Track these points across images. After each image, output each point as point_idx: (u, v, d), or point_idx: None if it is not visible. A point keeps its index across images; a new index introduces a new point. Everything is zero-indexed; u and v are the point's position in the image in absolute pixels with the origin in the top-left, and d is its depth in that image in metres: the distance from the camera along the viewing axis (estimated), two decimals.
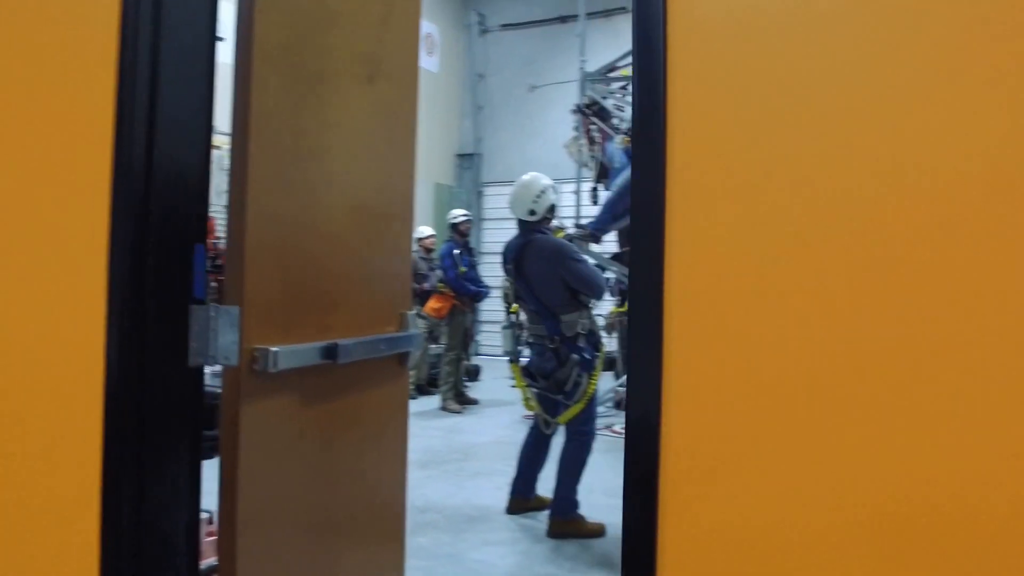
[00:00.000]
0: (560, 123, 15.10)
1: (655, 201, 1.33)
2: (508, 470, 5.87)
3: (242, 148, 1.67)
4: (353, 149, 2.19)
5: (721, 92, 1.34)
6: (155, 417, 1.48)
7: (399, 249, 2.54)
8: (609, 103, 8.90)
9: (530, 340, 4.68)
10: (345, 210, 2.16)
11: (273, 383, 1.76)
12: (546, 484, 4.89)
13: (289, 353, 1.76)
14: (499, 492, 5.23)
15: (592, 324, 4.55)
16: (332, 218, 2.08)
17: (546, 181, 4.62)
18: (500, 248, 13.57)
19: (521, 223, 4.63)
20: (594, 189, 8.96)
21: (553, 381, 4.48)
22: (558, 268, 4.40)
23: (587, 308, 4.55)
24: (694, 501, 1.35)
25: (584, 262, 4.54)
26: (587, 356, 4.50)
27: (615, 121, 8.91)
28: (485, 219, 15.88)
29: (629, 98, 9.07)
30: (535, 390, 4.68)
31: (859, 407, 1.25)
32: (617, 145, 8.58)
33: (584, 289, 4.45)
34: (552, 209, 4.63)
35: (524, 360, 4.75)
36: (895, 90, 1.23)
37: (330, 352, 1.92)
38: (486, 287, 9.02)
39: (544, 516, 4.72)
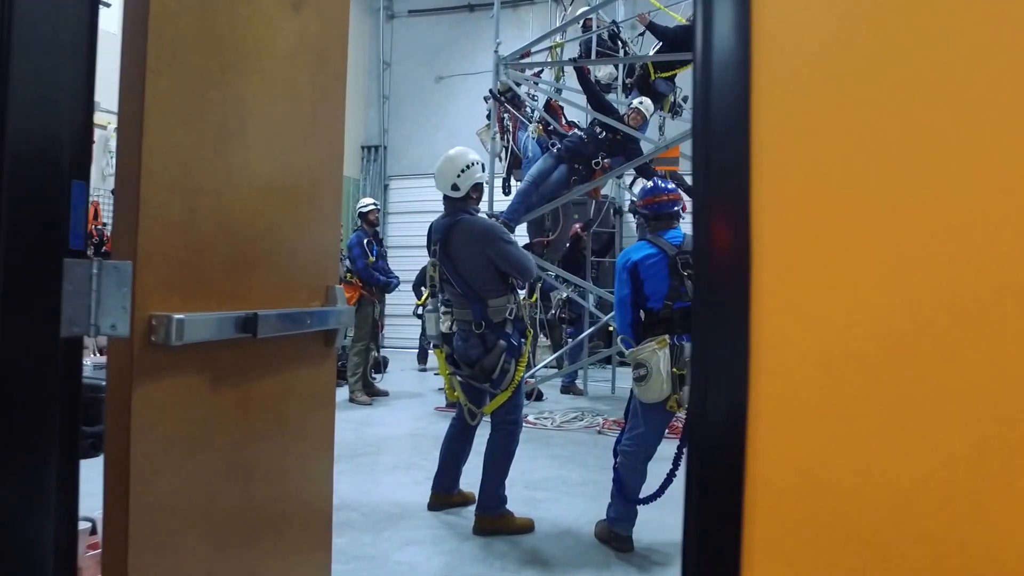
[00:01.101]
0: (467, 115, 14.85)
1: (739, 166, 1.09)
2: (426, 464, 5.62)
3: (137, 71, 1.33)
4: (274, 104, 1.86)
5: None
6: (14, 403, 1.13)
7: (326, 217, 2.23)
8: (522, 90, 8.69)
9: (455, 326, 4.39)
10: (264, 164, 1.83)
11: (176, 360, 1.42)
12: (467, 478, 4.66)
13: (197, 323, 1.42)
14: (418, 487, 4.96)
15: (519, 309, 4.30)
16: (250, 170, 1.75)
17: (473, 156, 4.34)
18: (406, 242, 13.22)
19: (447, 201, 4.34)
20: (506, 179, 8.77)
21: (479, 369, 4.21)
22: (487, 250, 4.14)
23: (515, 292, 4.30)
24: (785, 503, 1.12)
25: (514, 244, 4.29)
26: (514, 342, 4.25)
27: (528, 110, 8.72)
28: (391, 213, 15.46)
29: (543, 86, 8.92)
30: (459, 379, 4.40)
31: (960, 407, 1.04)
32: (530, 134, 8.40)
33: (514, 272, 4.20)
34: (478, 188, 4.35)
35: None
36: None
37: (248, 324, 1.59)
38: (395, 277, 8.79)
39: (469, 512, 4.46)
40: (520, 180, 8.19)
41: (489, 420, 4.40)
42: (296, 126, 2.04)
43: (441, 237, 4.25)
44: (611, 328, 10.35)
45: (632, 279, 4.01)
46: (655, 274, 3.98)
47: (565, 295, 9.44)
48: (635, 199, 9.31)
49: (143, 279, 1.30)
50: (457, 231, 4.20)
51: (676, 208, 4.22)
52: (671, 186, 4.29)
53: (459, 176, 4.23)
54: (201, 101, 1.54)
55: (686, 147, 9.18)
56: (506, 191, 8.47)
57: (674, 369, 3.77)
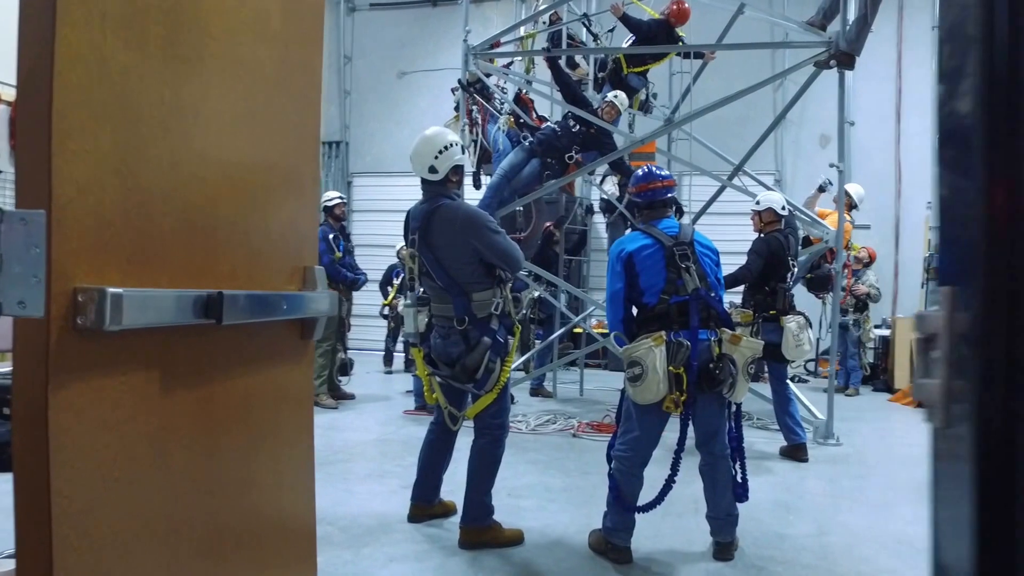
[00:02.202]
0: (430, 112, 14.48)
1: None
2: (399, 471, 5.29)
3: None
4: (242, 57, 1.52)
5: None
6: None
7: (302, 188, 1.89)
8: (492, 81, 8.36)
9: (434, 321, 4.05)
10: (230, 106, 1.49)
11: (112, 351, 1.07)
12: (447, 486, 4.34)
13: (143, 301, 1.07)
14: (395, 497, 4.63)
15: (506, 303, 3.97)
16: (210, 107, 1.40)
17: (452, 136, 4.01)
18: (370, 240, 12.79)
19: (425, 185, 4.00)
20: (475, 173, 8.43)
21: (461, 368, 3.87)
22: (471, 238, 3.81)
23: (502, 285, 3.97)
24: None
25: (502, 232, 3.96)
26: (500, 339, 3.92)
27: (497, 102, 8.39)
28: (354, 211, 15.01)
29: (514, 78, 8.59)
30: (439, 380, 4.05)
31: None
32: (500, 127, 8.09)
33: (501, 263, 3.88)
34: (458, 170, 4.02)
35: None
36: None
37: (211, 306, 1.24)
38: (363, 274, 8.40)
39: (452, 524, 4.14)
40: (490, 174, 7.87)
41: (472, 424, 4.06)
42: (270, 88, 1.70)
43: (420, 225, 3.90)
44: (580, 329, 10.13)
45: (626, 271, 3.71)
46: (651, 266, 3.68)
47: (537, 294, 9.12)
48: (605, 196, 9.07)
49: (64, 237, 0.94)
50: (438, 218, 3.87)
51: (670, 195, 3.94)
52: (665, 172, 3.99)
53: (437, 157, 3.89)
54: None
55: (663, 142, 8.98)
56: (477, 185, 8.13)
57: (671, 368, 3.47)
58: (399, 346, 11.47)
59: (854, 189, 7.17)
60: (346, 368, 8.96)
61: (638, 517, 3.71)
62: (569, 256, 9.72)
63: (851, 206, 7.13)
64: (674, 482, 3.62)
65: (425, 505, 4.27)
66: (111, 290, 1.01)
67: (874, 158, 11.99)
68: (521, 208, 7.96)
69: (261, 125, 1.71)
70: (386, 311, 11.00)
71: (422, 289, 4.08)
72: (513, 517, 4.16)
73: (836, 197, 8.58)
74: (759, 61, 12.56)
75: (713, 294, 3.68)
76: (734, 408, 3.75)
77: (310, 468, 1.98)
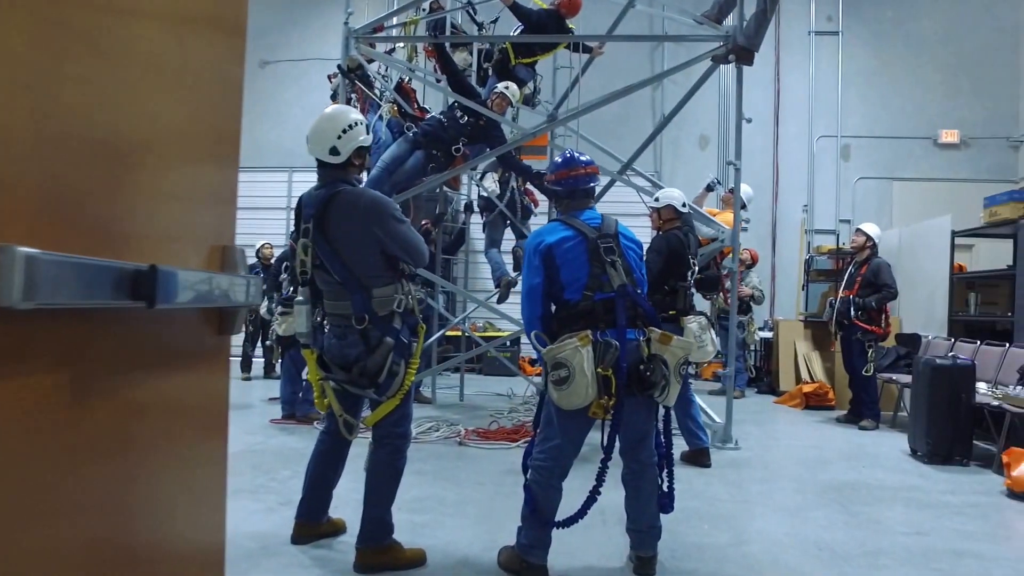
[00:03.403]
0: (297, 105, 13.82)
1: None
2: (276, 486, 4.84)
3: None
4: None
5: None
6: None
7: (221, 153, 1.52)
8: (373, 68, 7.93)
9: (328, 321, 3.63)
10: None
11: (15, 338, 0.69)
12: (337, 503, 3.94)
13: (62, 271, 0.69)
14: (275, 515, 4.19)
15: (410, 300, 3.61)
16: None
17: (356, 115, 3.62)
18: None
19: (323, 169, 3.58)
20: None
21: (359, 371, 3.48)
22: (373, 227, 3.43)
23: (405, 280, 3.61)
24: None
25: (406, 222, 3.59)
26: (404, 339, 3.56)
27: (378, 90, 7.97)
28: None
29: (397, 65, 8.18)
30: (333, 384, 3.64)
31: None
32: (382, 116, 7.67)
33: (405, 255, 3.53)
34: (362, 153, 3.63)
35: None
36: None
37: (142, 284, 0.86)
38: None
39: (343, 544, 3.76)
40: (370, 166, 7.43)
41: (371, 433, 3.67)
42: (186, 33, 1.31)
43: (315, 212, 3.48)
44: (459, 332, 9.81)
45: (545, 265, 3.43)
46: (572, 260, 3.42)
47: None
48: (485, 193, 8.79)
49: None
50: (336, 205, 3.46)
51: (593, 184, 3.69)
52: (587, 158, 3.74)
53: (340, 137, 3.49)
54: None
55: (556, 132, 8.82)
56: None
57: (598, 369, 3.21)
58: (258, 350, 10.81)
59: (744, 189, 7.22)
60: None
61: (555, 533, 3.44)
62: (446, 256, 9.41)
63: (742, 206, 7.17)
64: (599, 493, 3.37)
65: (313, 524, 3.85)
66: (22, 250, 0.63)
67: (753, 160, 12.35)
68: (400, 204, 7.54)
69: (174, 74, 1.33)
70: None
71: (291, 288, 3.66)
72: (409, 535, 3.81)
73: (724, 196, 8.69)
74: (640, 60, 12.70)
75: (640, 290, 3.46)
76: (663, 412, 3.55)
77: (222, 484, 1.60)
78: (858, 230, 8.45)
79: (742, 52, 6.51)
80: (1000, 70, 12.73)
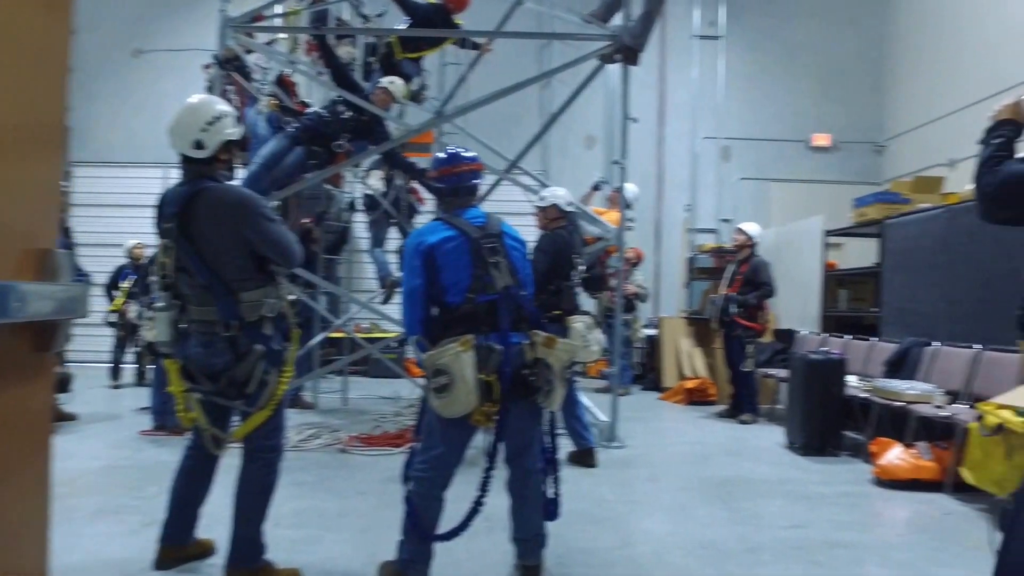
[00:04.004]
0: (173, 96, 12.89)
1: None
2: (141, 504, 4.54)
3: None
4: None
5: None
6: None
7: (40, 144, 1.31)
8: (251, 59, 7.58)
9: (193, 327, 3.37)
10: None
11: None
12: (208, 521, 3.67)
13: None
14: (137, 538, 3.90)
15: (283, 305, 3.40)
16: None
17: (223, 107, 3.38)
18: (94, 240, 11.30)
19: (187, 164, 3.33)
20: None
21: (227, 382, 3.25)
22: (242, 227, 3.21)
23: (276, 283, 3.39)
24: None
25: (277, 220, 3.38)
26: (275, 346, 3.35)
27: (257, 84, 7.62)
28: (75, 205, 13.25)
29: (277, 57, 7.85)
30: (198, 396, 3.38)
31: None
32: (260, 110, 7.34)
33: (277, 256, 3.33)
34: (229, 148, 3.39)
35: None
36: None
37: None
38: (86, 275, 7.31)
39: (211, 566, 3.53)
40: (248, 163, 7.10)
41: (241, 448, 3.43)
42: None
43: (177, 211, 3.23)
44: (343, 334, 9.53)
45: (426, 266, 3.29)
46: (455, 261, 3.29)
47: (294, 296, 8.40)
48: (370, 192, 8.55)
49: None
50: (201, 203, 3.22)
51: (477, 181, 3.57)
52: (472, 154, 3.61)
53: (205, 130, 3.25)
54: None
55: (443, 129, 8.67)
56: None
57: (481, 375, 3.09)
58: (128, 357, 10.22)
59: (629, 188, 7.28)
60: (65, 384, 7.70)
61: (438, 546, 3.30)
62: (328, 255, 9.12)
63: (627, 205, 7.24)
64: (482, 504, 3.25)
65: (179, 546, 3.57)
66: None
67: (638, 160, 12.49)
68: (280, 202, 7.23)
69: None
70: (113, 318, 9.70)
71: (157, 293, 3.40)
72: (284, 552, 3.61)
73: (610, 195, 8.75)
74: (528, 59, 12.66)
75: (524, 292, 3.36)
76: (548, 416, 3.46)
77: (44, 514, 1.41)
78: (739, 229, 8.66)
79: (628, 52, 6.56)
80: (866, 79, 13.35)
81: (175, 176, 3.43)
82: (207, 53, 7.32)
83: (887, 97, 13.27)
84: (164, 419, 6.94)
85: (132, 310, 9.15)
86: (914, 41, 12.39)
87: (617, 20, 7.00)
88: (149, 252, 8.75)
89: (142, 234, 10.74)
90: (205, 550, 3.65)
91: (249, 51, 7.25)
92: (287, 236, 3.36)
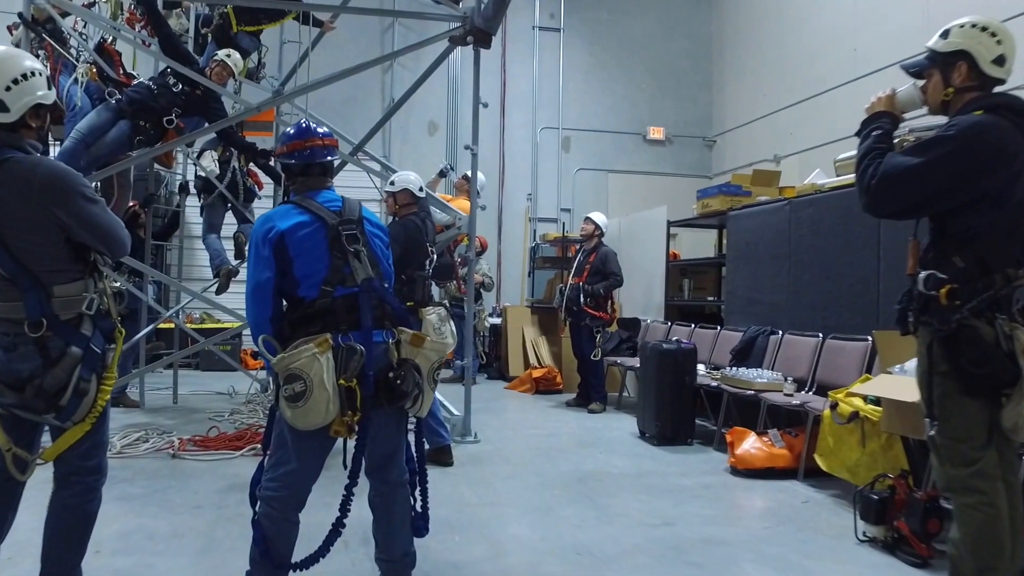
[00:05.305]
0: None
1: None
2: None
3: None
4: None
5: None
6: None
7: None
8: (68, 23, 6.75)
9: None
10: None
11: None
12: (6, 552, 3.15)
13: None
14: None
15: (107, 299, 2.93)
16: None
17: (32, 63, 2.84)
18: None
19: None
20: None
21: (35, 392, 2.73)
22: (54, 208, 2.70)
23: (97, 274, 2.91)
24: None
25: (100, 201, 2.89)
26: (96, 348, 2.86)
27: (74, 50, 6.81)
28: None
29: (99, 23, 7.05)
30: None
31: None
32: (78, 79, 6.56)
33: (98, 243, 2.85)
34: (41, 113, 2.86)
35: None
36: None
37: None
38: None
39: None
40: (61, 138, 6.34)
41: (52, 470, 2.93)
42: None
43: None
44: (171, 325, 8.78)
45: (277, 257, 2.91)
46: (310, 249, 2.93)
47: (119, 286, 7.62)
48: (203, 173, 7.88)
49: None
50: (4, 178, 2.68)
51: (331, 159, 3.21)
52: (324, 129, 3.24)
53: (9, 89, 2.71)
54: None
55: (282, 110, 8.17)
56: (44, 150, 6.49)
57: (341, 381, 2.76)
58: None
59: (478, 176, 7.09)
60: None
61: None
62: (157, 241, 8.38)
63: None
64: (343, 527, 2.92)
65: None
66: None
67: (481, 148, 12.29)
68: (100, 183, 6.50)
69: None
70: None
71: None
72: None
73: (457, 182, 8.54)
74: (371, 40, 12.22)
75: (387, 285, 3.05)
76: (413, 423, 3.17)
77: None
78: (587, 219, 8.67)
79: (480, 34, 6.35)
80: (696, 77, 13.86)
81: None
82: (11, 14, 6.46)
83: (716, 95, 13.82)
84: None
85: None
86: (741, 43, 12.99)
87: (469, 2, 6.79)
88: None
89: None
90: None
91: (64, 14, 6.46)
92: (112, 220, 2.88)
